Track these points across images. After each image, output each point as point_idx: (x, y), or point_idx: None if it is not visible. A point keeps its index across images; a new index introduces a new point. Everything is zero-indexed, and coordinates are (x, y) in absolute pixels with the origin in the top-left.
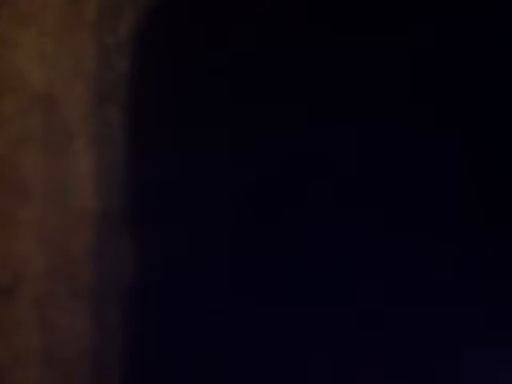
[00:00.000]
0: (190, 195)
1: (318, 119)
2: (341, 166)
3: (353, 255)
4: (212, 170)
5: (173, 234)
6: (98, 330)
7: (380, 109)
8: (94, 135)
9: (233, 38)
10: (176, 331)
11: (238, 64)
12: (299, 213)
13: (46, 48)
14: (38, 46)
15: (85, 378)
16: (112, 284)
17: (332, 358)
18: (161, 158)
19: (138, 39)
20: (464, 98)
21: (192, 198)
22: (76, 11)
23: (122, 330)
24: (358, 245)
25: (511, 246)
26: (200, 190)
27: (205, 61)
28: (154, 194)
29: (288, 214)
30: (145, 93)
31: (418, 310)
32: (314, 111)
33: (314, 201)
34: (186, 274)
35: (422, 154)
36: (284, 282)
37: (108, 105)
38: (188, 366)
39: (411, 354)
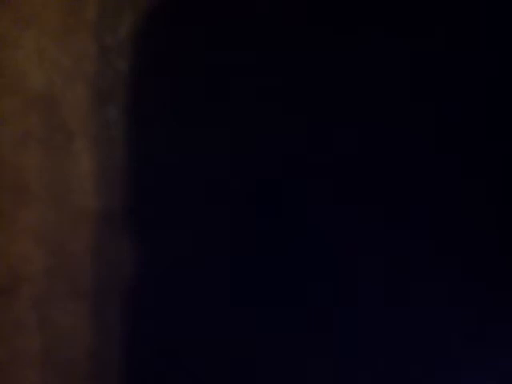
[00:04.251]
0: (189, 195)
1: (318, 119)
2: (341, 166)
3: (353, 255)
4: (212, 169)
5: (173, 233)
6: (98, 330)
7: (380, 108)
8: (94, 135)
9: (233, 37)
10: (176, 331)
11: (238, 64)
12: (299, 212)
13: (46, 48)
14: (37, 46)
15: (85, 378)
16: (112, 284)
17: (332, 358)
18: (161, 158)
19: (138, 39)
20: (464, 97)
21: (192, 198)
22: (76, 11)
23: (123, 330)
24: (358, 245)
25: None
26: (200, 189)
27: (205, 61)
28: (154, 194)
29: (288, 214)
30: (145, 93)
31: (418, 309)
32: (314, 111)
33: (314, 201)
34: (187, 273)
35: (422, 153)
36: (284, 281)
37: (108, 105)
38: (188, 366)
39: (411, 353)
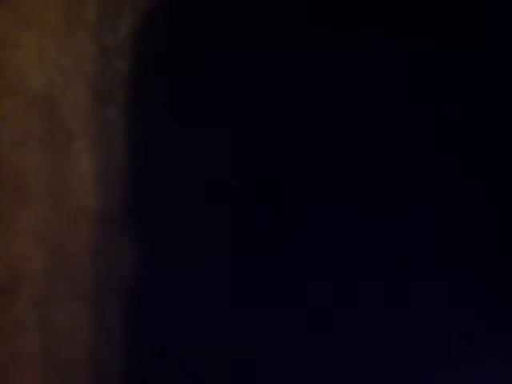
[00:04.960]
0: (189, 195)
1: (318, 119)
2: (341, 166)
3: (353, 255)
4: (212, 169)
5: (173, 233)
6: (98, 330)
7: (380, 108)
8: (94, 135)
9: (233, 37)
10: (176, 331)
11: (238, 64)
12: (299, 212)
13: (46, 48)
14: (37, 46)
15: (85, 378)
16: (112, 284)
17: (332, 358)
18: (161, 158)
19: (138, 39)
20: (464, 97)
21: (192, 198)
22: (76, 11)
23: (123, 330)
24: (358, 245)
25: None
26: (200, 189)
27: (205, 61)
28: (154, 194)
29: (288, 214)
30: (145, 93)
31: (418, 309)
32: (314, 111)
33: (314, 201)
34: (187, 273)
35: (422, 153)
36: (284, 281)
37: (108, 105)
38: (188, 366)
39: (411, 353)
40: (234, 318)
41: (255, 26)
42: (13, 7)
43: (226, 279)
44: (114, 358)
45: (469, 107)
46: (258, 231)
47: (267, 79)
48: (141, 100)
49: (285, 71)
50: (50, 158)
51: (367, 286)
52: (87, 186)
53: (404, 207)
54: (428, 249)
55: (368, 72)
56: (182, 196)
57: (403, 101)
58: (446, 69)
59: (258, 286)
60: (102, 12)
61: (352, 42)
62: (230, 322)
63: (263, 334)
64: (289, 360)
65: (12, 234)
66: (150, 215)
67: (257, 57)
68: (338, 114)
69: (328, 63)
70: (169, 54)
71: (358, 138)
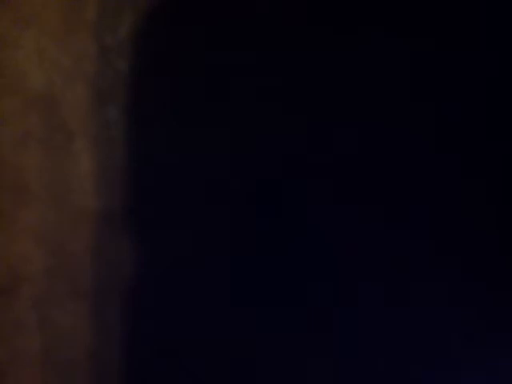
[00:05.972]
0: (189, 195)
1: (318, 119)
2: (341, 166)
3: (353, 255)
4: (212, 169)
5: (173, 233)
6: (98, 330)
7: (380, 108)
8: (94, 135)
9: (233, 37)
10: (176, 331)
11: (238, 64)
12: (299, 212)
13: (46, 48)
14: (37, 46)
15: (85, 378)
16: (112, 284)
17: (332, 358)
18: (161, 158)
19: (138, 39)
20: (464, 97)
21: (192, 198)
22: (76, 11)
23: (123, 330)
24: (358, 245)
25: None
26: (200, 189)
27: (205, 61)
28: (154, 194)
29: (288, 214)
30: (145, 93)
31: (418, 309)
32: (314, 111)
33: (314, 201)
34: (187, 273)
35: (422, 153)
36: (284, 281)
37: (108, 105)
38: (188, 366)
39: (411, 353)
40: (234, 317)
41: (255, 26)
42: (13, 7)
43: (226, 279)
44: (113, 358)
45: (469, 107)
46: (258, 231)
47: (267, 79)
48: (141, 100)
49: (285, 71)
50: (50, 158)
51: (367, 285)
52: (87, 186)
53: (404, 207)
54: (428, 249)
55: (368, 72)
56: (182, 196)
57: (403, 101)
58: (446, 69)
59: (257, 286)
60: (102, 12)
61: (352, 41)
62: (230, 322)
63: (263, 334)
64: (289, 360)
65: (12, 234)
66: (150, 215)
67: (257, 57)
68: (337, 114)
69: (328, 63)
70: (169, 54)
71: (358, 138)
